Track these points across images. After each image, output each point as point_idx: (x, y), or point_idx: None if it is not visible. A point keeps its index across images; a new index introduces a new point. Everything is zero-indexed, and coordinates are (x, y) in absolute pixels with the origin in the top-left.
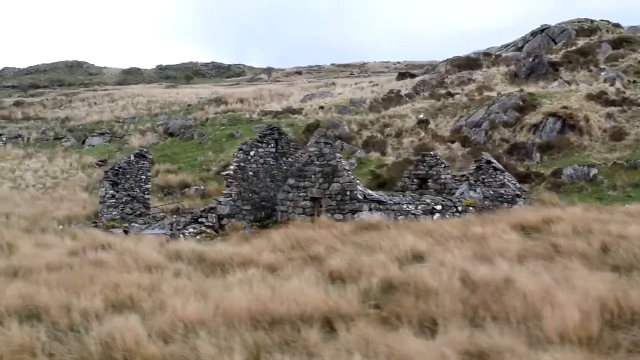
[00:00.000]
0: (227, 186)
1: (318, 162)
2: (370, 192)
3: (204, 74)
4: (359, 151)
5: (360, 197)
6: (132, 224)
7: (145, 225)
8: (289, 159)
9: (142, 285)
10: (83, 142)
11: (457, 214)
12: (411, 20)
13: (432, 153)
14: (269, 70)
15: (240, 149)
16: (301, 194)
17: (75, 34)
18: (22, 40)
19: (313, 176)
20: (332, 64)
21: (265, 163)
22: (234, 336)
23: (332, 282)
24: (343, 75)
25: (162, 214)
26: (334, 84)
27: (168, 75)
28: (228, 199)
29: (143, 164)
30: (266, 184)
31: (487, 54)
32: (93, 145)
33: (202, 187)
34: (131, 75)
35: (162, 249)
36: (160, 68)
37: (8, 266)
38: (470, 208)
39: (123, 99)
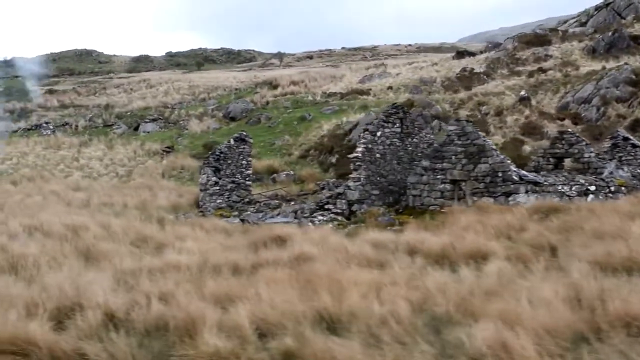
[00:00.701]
0: (355, 170)
1: (460, 142)
2: (525, 172)
3: (214, 60)
4: None
5: (515, 178)
6: (247, 212)
7: (262, 214)
8: (414, 140)
9: (401, 284)
10: (135, 129)
11: (610, 195)
12: (410, 2)
13: (570, 130)
14: (280, 55)
15: (366, 130)
16: (438, 177)
17: (81, 22)
18: (29, 30)
19: (453, 157)
20: (342, 48)
21: (392, 144)
22: None
23: (614, 274)
24: (356, 58)
25: (276, 201)
26: (383, 64)
27: (178, 62)
28: (357, 183)
29: (244, 148)
30: (393, 166)
31: (553, 29)
32: (147, 132)
33: (292, 173)
34: (141, 63)
35: (355, 239)
36: (170, 55)
37: (202, 263)
38: (622, 188)
39: (162, 84)
